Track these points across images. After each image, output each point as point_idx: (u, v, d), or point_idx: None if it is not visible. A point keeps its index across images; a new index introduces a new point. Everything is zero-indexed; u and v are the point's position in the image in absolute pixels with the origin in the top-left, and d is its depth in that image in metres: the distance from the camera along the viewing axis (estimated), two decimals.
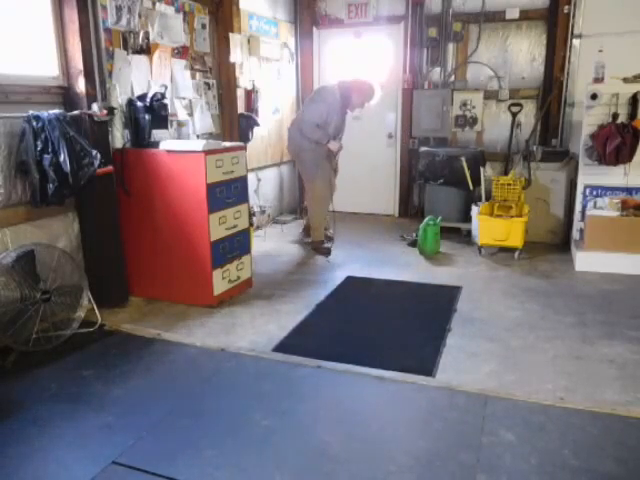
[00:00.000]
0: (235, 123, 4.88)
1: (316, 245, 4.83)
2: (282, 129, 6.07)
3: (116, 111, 3.42)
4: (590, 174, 4.41)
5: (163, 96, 3.70)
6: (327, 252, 4.73)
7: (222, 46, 4.71)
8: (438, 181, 5.30)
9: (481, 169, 4.99)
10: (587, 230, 4.31)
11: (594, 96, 4.17)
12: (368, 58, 6.12)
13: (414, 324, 3.30)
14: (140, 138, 3.58)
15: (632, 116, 4.15)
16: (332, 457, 2.05)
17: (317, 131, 4.52)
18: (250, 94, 5.23)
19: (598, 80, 4.26)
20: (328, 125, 4.57)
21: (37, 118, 2.90)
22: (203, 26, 4.49)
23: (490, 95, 5.68)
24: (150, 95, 3.65)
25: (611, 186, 4.37)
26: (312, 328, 3.28)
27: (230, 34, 4.72)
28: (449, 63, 5.78)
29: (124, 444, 2.14)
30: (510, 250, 4.60)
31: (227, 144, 3.67)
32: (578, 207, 4.53)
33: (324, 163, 4.69)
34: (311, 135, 4.53)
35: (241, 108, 5.03)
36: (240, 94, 5.04)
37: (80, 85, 3.28)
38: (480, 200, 4.95)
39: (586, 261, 4.25)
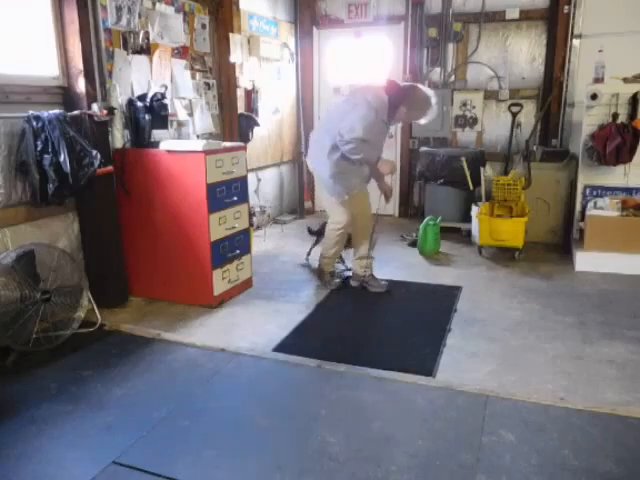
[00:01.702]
0: (235, 123, 4.88)
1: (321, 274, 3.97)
2: (282, 129, 6.08)
3: (116, 111, 3.42)
4: (590, 174, 4.41)
5: (163, 96, 3.71)
6: (331, 283, 3.92)
7: (222, 46, 4.71)
8: (438, 181, 5.30)
9: (481, 169, 4.99)
10: (587, 230, 4.30)
11: (594, 96, 4.17)
12: (368, 58, 6.12)
13: (414, 324, 3.30)
14: (140, 138, 3.58)
15: (632, 116, 4.15)
16: (332, 457, 2.05)
17: (363, 149, 3.41)
18: (250, 94, 5.23)
19: (598, 80, 4.26)
20: (375, 138, 3.49)
21: (37, 118, 2.90)
22: (203, 26, 4.49)
23: (490, 95, 5.69)
24: (150, 95, 3.66)
25: (611, 186, 4.37)
26: (312, 328, 3.28)
27: (230, 34, 4.72)
28: (449, 63, 5.78)
29: (124, 444, 2.14)
30: (510, 250, 4.59)
31: (227, 144, 3.68)
32: (578, 207, 4.53)
33: (362, 186, 3.71)
34: (355, 155, 3.42)
35: (241, 108, 5.03)
36: (240, 94, 5.04)
37: (80, 85, 3.28)
38: (480, 200, 4.95)
39: (586, 261, 4.24)
